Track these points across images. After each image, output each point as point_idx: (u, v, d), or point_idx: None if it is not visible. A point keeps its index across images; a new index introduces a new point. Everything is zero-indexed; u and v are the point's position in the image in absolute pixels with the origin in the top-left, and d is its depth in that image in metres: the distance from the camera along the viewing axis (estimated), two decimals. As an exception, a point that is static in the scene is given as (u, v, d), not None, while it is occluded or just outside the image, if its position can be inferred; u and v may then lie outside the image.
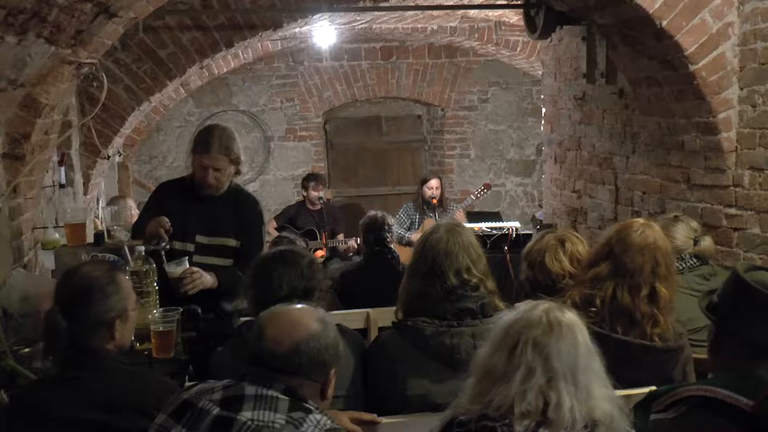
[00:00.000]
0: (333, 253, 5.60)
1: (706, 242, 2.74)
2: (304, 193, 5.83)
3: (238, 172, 2.87)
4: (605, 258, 2.14)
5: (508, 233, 4.41)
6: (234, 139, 2.82)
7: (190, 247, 2.79)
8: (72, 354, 1.77)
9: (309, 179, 5.84)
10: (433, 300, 2.06)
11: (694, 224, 2.79)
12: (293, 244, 3.47)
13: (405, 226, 5.82)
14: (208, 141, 2.77)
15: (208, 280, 2.66)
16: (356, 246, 5.40)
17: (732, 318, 1.58)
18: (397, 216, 5.81)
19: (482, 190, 5.92)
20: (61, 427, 1.71)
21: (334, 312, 2.81)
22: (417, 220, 5.82)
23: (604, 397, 1.40)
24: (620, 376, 1.50)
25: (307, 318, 1.57)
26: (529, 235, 4.20)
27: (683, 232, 2.72)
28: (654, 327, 2.08)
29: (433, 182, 5.82)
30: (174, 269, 2.61)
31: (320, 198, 5.67)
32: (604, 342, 1.54)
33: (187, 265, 2.62)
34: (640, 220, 2.23)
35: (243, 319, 2.49)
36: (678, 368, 2.13)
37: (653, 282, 2.08)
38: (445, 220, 4.95)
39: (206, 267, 2.73)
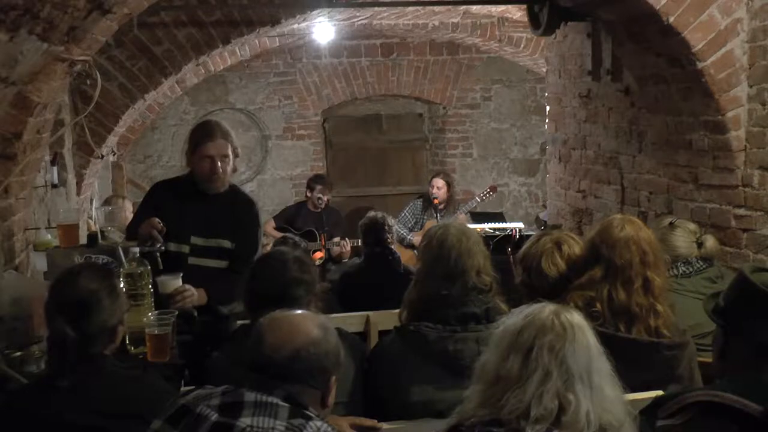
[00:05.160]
0: (330, 255, 5.55)
1: (710, 242, 2.70)
2: (308, 194, 5.75)
3: (234, 169, 2.86)
4: (595, 260, 2.15)
5: (511, 234, 4.37)
6: (230, 129, 2.84)
7: (186, 249, 2.78)
8: (70, 361, 1.76)
9: (317, 181, 5.71)
10: (450, 301, 2.05)
11: (692, 226, 2.75)
12: (297, 246, 3.44)
13: (408, 225, 5.75)
14: (210, 130, 2.78)
15: (196, 298, 2.62)
16: (349, 250, 5.35)
17: (740, 321, 1.56)
18: (402, 214, 5.75)
19: (487, 193, 5.83)
20: (57, 432, 1.69)
21: (333, 315, 2.77)
22: (422, 219, 5.75)
23: (616, 399, 1.39)
24: (629, 378, 1.47)
25: (307, 324, 1.54)
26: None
27: (684, 238, 2.67)
28: (656, 318, 2.08)
29: (435, 181, 5.75)
30: (166, 283, 2.56)
31: (320, 199, 5.61)
32: (612, 343, 1.52)
33: (180, 282, 2.58)
34: (618, 216, 2.25)
35: (239, 322, 2.45)
36: (684, 365, 2.12)
37: (644, 272, 2.09)
38: (447, 221, 4.88)
39: (201, 269, 2.71)
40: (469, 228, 2.27)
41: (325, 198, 5.64)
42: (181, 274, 2.60)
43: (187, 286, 2.58)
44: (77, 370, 1.75)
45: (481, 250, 2.14)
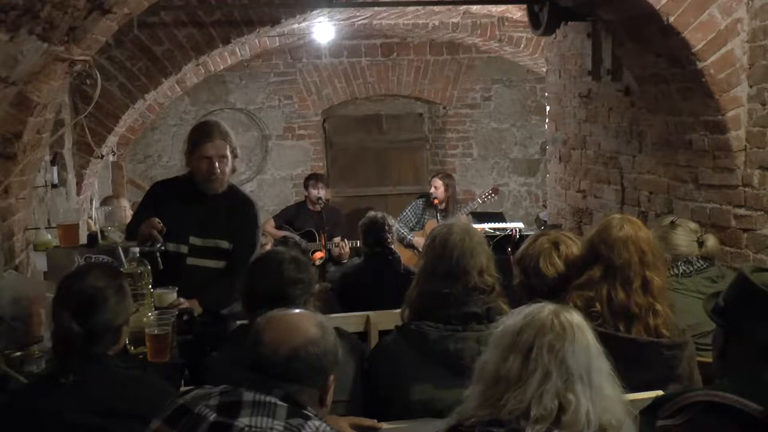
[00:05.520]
0: (331, 255, 5.56)
1: (711, 242, 2.70)
2: (305, 193, 5.79)
3: (233, 169, 2.85)
4: (594, 260, 2.14)
5: (511, 234, 4.36)
6: (229, 129, 2.85)
7: (184, 249, 2.78)
8: (73, 358, 1.77)
9: (310, 178, 5.84)
10: (451, 301, 2.05)
11: (693, 225, 2.74)
12: (298, 246, 3.44)
13: (410, 224, 5.76)
14: (209, 130, 2.79)
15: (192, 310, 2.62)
16: (348, 251, 5.36)
17: (740, 321, 1.56)
18: (404, 213, 5.76)
19: (489, 194, 5.82)
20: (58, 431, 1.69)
21: (333, 315, 2.77)
22: (423, 219, 5.76)
23: (616, 398, 1.38)
24: (629, 378, 1.47)
25: (305, 323, 1.54)
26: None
27: (685, 237, 2.67)
28: (655, 317, 2.07)
29: (434, 181, 5.77)
30: (161, 297, 2.55)
31: (319, 198, 5.61)
32: (611, 343, 1.52)
33: (175, 296, 2.58)
34: (618, 216, 2.25)
35: (238, 322, 2.45)
36: (684, 364, 2.11)
37: (643, 272, 2.09)
38: (450, 221, 4.88)
39: (199, 269, 2.72)
40: (473, 228, 2.26)
41: (323, 194, 5.65)
42: (176, 289, 2.59)
43: (181, 300, 2.58)
44: (80, 369, 1.75)
45: (485, 250, 2.13)
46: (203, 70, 5.61)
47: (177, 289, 2.59)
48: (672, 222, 2.74)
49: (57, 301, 1.84)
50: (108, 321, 1.82)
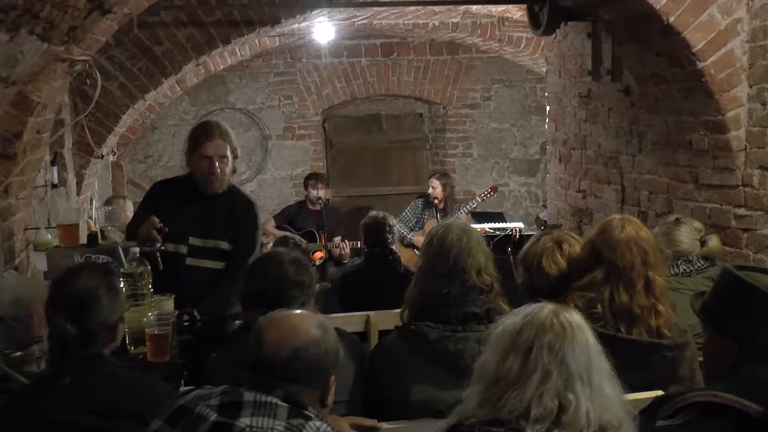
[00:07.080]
0: (331, 255, 5.56)
1: (713, 242, 2.70)
2: (305, 193, 5.80)
3: (234, 170, 2.85)
4: (596, 262, 2.13)
5: (511, 234, 4.36)
6: (229, 130, 2.84)
7: (183, 249, 2.77)
8: (71, 359, 1.76)
9: (309, 177, 5.87)
10: (451, 301, 2.05)
11: (698, 224, 2.75)
12: (297, 246, 3.44)
13: (410, 224, 5.77)
14: (209, 130, 2.79)
15: None
16: (349, 251, 5.37)
17: (729, 319, 1.55)
18: (403, 213, 5.77)
19: (488, 193, 5.84)
20: (58, 432, 1.69)
21: (333, 315, 2.76)
22: (423, 219, 5.77)
23: (616, 398, 1.38)
24: (630, 379, 1.47)
25: (306, 323, 1.54)
26: (535, 237, 4.15)
27: (688, 235, 2.67)
28: (657, 318, 2.07)
29: (431, 181, 5.77)
30: (158, 304, 2.52)
31: (319, 198, 5.62)
32: (612, 344, 1.52)
33: (172, 303, 2.56)
34: (617, 216, 2.24)
35: (238, 322, 2.44)
36: (685, 365, 2.11)
37: (646, 273, 2.08)
38: (449, 220, 4.88)
39: (199, 270, 2.71)
40: (471, 227, 2.26)
41: (323, 194, 5.66)
42: (174, 296, 2.57)
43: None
44: (77, 370, 1.75)
45: (483, 249, 2.13)
46: (203, 70, 5.61)
47: (174, 296, 2.58)
48: (677, 219, 2.76)
49: (51, 303, 1.84)
50: (103, 320, 1.82)
